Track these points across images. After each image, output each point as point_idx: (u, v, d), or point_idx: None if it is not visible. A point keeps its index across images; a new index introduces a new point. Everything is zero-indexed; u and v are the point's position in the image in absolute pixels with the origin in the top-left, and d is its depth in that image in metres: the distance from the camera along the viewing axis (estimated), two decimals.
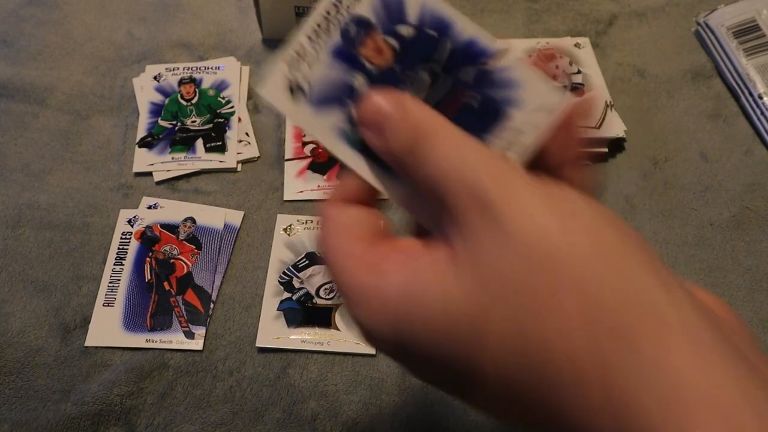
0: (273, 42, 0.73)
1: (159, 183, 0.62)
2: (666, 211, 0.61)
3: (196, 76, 0.69)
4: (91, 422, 0.50)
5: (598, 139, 0.64)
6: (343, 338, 0.54)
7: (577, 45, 0.71)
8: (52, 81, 0.69)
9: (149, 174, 0.63)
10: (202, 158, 0.63)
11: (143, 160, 0.63)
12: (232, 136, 0.65)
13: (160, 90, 0.68)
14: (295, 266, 0.58)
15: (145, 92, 0.68)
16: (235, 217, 0.60)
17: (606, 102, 0.66)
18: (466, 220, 0.23)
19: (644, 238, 0.62)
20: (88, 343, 0.54)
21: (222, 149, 0.64)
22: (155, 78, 0.69)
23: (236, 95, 0.68)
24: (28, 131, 0.66)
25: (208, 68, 0.70)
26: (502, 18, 0.75)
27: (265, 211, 0.61)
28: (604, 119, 0.64)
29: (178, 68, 0.70)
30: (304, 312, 0.55)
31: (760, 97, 0.65)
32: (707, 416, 0.20)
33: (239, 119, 0.66)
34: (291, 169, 0.64)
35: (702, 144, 0.65)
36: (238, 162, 0.63)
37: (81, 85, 0.69)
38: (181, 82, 0.68)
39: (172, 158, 0.63)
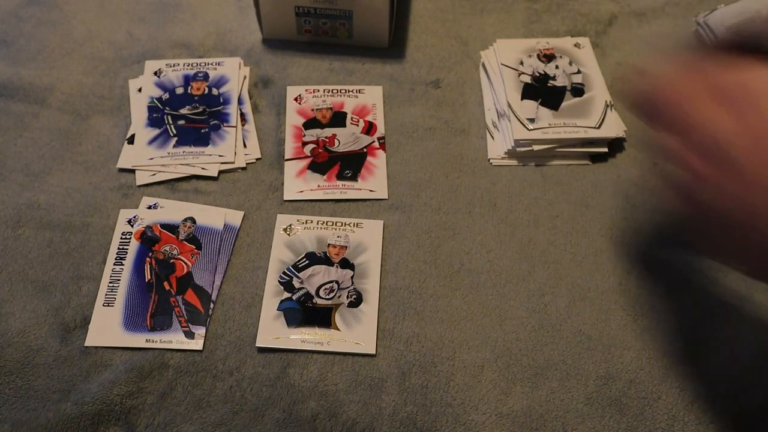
0: (273, 42, 0.73)
1: (141, 186, 0.62)
2: (666, 210, 0.61)
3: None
4: (91, 422, 0.50)
5: (598, 139, 0.64)
6: (343, 338, 0.54)
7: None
8: (52, 81, 0.69)
9: (150, 171, 0.63)
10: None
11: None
12: (230, 136, 0.65)
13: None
14: (295, 266, 0.58)
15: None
16: (235, 217, 0.60)
17: (606, 102, 0.66)
18: None
19: (644, 237, 0.62)
20: (88, 343, 0.54)
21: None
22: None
23: (236, 95, 0.68)
24: (28, 131, 0.66)
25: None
26: (502, 18, 0.75)
27: (265, 211, 0.61)
28: (604, 119, 0.64)
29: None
30: (304, 312, 0.55)
31: None
32: None
33: (242, 120, 0.66)
34: (291, 169, 0.64)
35: None
36: (224, 164, 0.64)
37: (81, 85, 0.69)
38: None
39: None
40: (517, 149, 0.64)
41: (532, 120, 0.64)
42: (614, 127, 0.64)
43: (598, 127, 0.64)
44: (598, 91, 0.67)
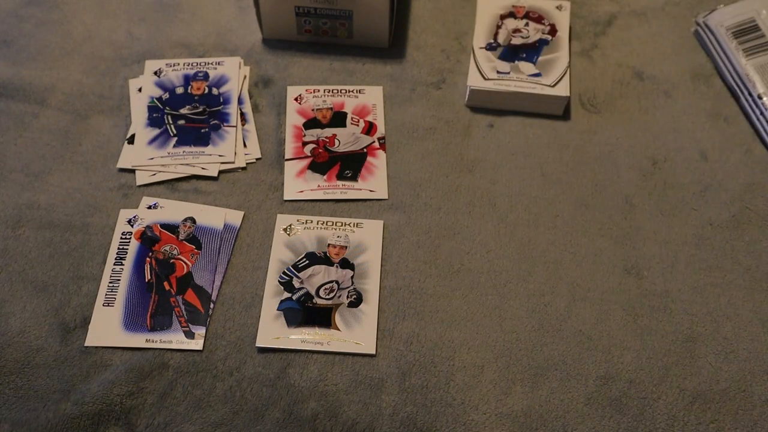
0: (273, 42, 0.73)
1: (141, 186, 0.62)
2: (666, 210, 0.61)
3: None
4: (91, 422, 0.50)
5: (549, 97, 0.66)
6: (343, 338, 0.54)
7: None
8: (52, 81, 0.69)
9: (150, 171, 0.63)
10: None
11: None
12: (230, 136, 0.65)
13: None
14: (295, 266, 0.58)
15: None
16: (235, 217, 0.60)
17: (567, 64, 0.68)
18: None
19: (644, 237, 0.62)
20: (88, 343, 0.54)
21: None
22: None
23: (236, 94, 0.68)
24: (28, 131, 0.66)
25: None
26: None
27: (265, 211, 0.61)
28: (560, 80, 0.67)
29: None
30: (304, 312, 0.55)
31: (760, 97, 0.65)
32: None
33: (243, 120, 0.66)
34: (291, 169, 0.64)
35: (701, 144, 0.66)
36: (224, 164, 0.64)
37: (81, 85, 0.69)
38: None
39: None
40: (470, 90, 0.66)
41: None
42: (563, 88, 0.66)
43: (553, 86, 0.66)
44: (562, 53, 0.69)
